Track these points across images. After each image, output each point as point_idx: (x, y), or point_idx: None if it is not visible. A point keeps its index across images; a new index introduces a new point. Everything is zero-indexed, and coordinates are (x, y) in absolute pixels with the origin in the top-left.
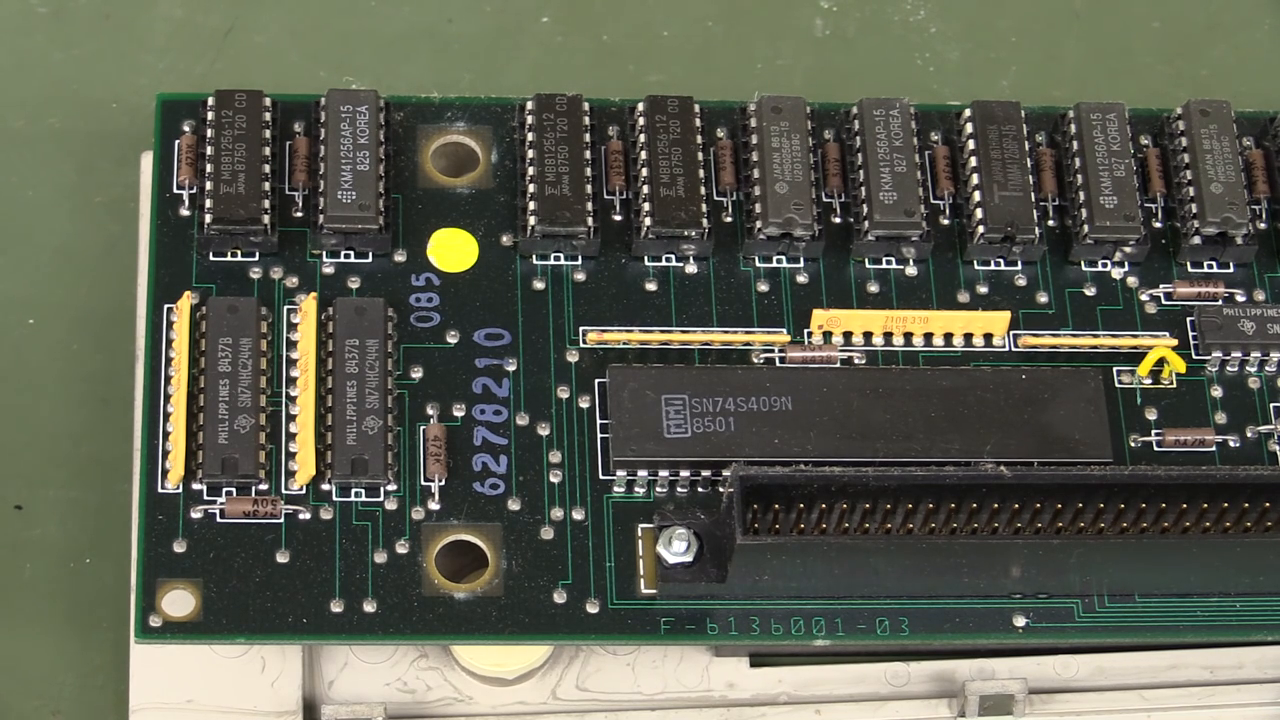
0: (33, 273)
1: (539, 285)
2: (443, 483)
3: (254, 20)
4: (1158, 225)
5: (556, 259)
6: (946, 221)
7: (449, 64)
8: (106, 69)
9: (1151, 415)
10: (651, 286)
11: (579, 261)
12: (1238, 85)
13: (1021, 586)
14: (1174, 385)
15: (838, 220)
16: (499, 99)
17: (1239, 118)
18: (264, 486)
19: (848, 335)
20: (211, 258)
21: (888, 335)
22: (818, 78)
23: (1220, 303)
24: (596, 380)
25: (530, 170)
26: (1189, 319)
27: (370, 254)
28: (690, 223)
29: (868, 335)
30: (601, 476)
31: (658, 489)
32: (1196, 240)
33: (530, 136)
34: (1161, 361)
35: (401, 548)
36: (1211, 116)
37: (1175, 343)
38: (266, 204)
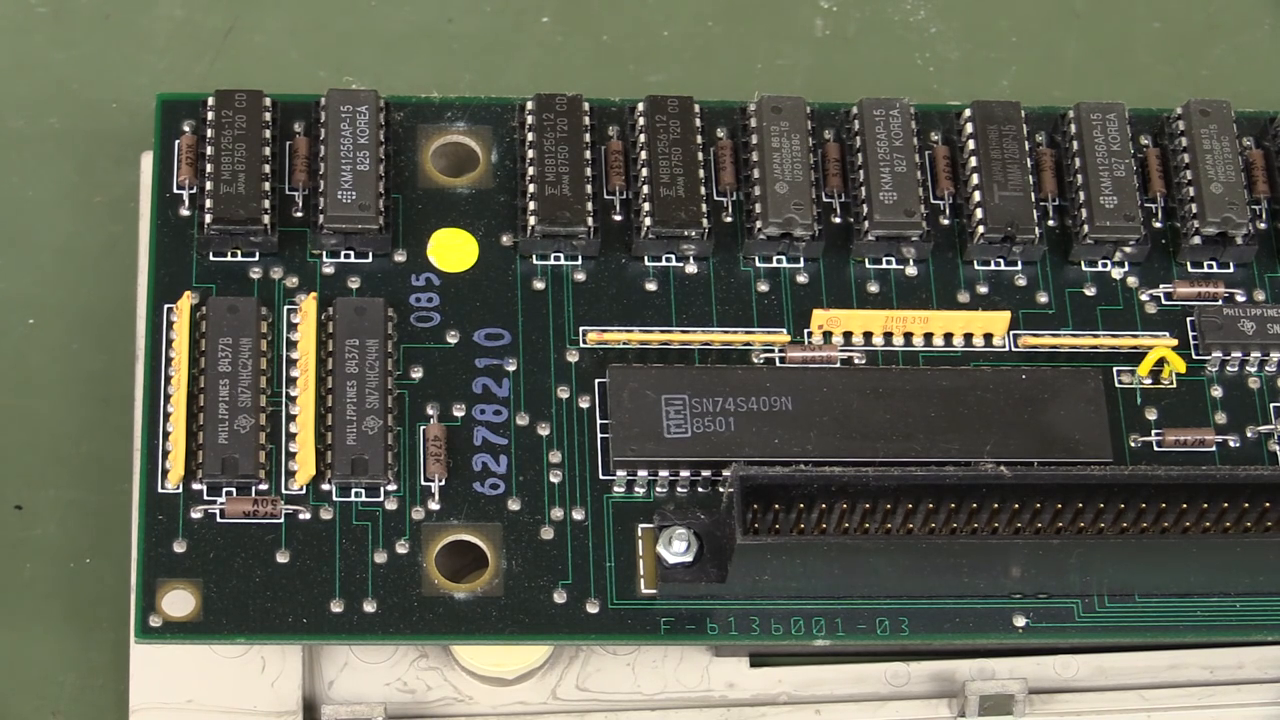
0: (33, 273)
1: (539, 285)
2: (443, 483)
3: (254, 20)
4: (1158, 225)
5: (556, 259)
6: (946, 221)
7: (449, 64)
8: (106, 69)
9: (1151, 415)
10: (651, 286)
11: (579, 261)
12: (1238, 85)
13: (1021, 586)
14: (1174, 385)
15: (838, 220)
16: (499, 99)
17: (1239, 118)
18: (264, 486)
19: (848, 335)
20: (211, 258)
21: (888, 335)
22: (818, 78)
23: (1220, 303)
24: (596, 380)
25: (530, 170)
26: (1189, 319)
27: (370, 254)
28: (690, 223)
29: (868, 335)
30: (601, 476)
31: (658, 489)
32: (1196, 240)
33: (530, 136)
34: (1161, 361)
35: (401, 548)
36: (1211, 116)
37: (1175, 343)
38: (266, 204)
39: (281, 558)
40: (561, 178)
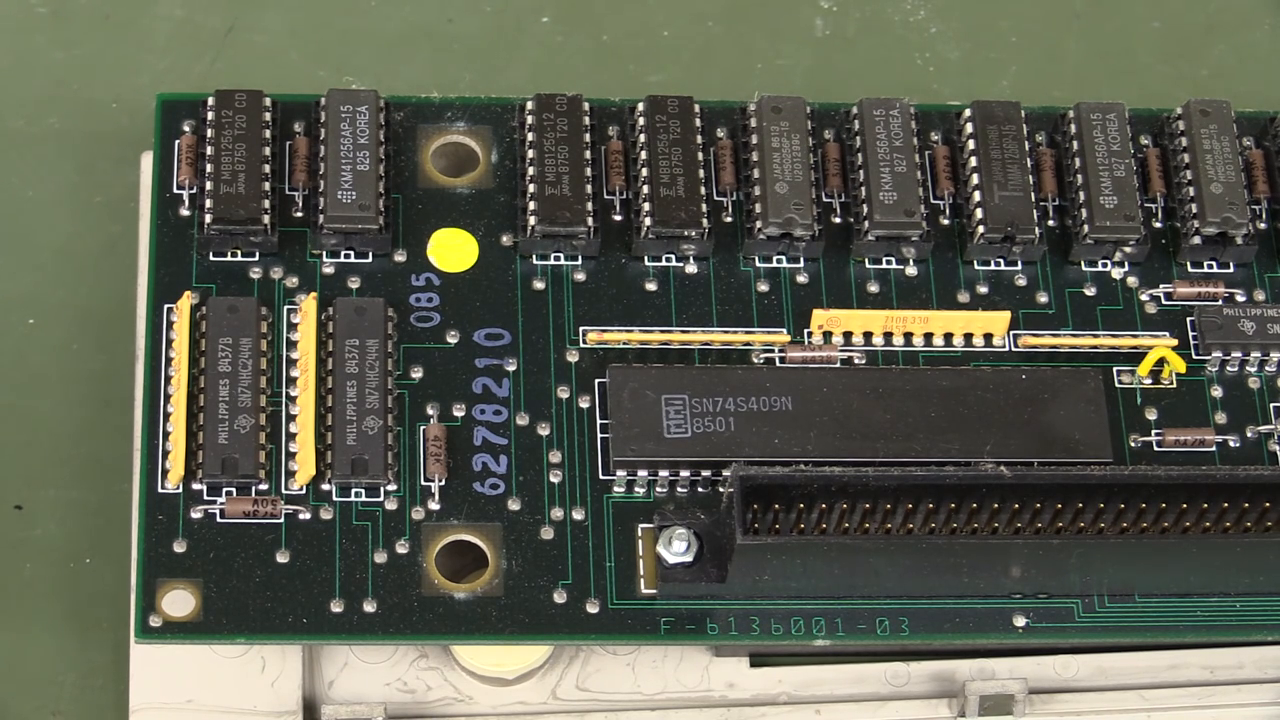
0: (33, 273)
1: (539, 285)
2: (443, 483)
3: (254, 20)
4: (1158, 225)
5: (556, 259)
6: (946, 221)
7: (449, 64)
8: (106, 69)
9: (1151, 415)
10: (651, 286)
11: (579, 261)
12: (1238, 85)
13: (1021, 586)
14: (1174, 385)
15: (838, 220)
16: (499, 99)
17: (1239, 118)
18: (264, 486)
19: (848, 335)
20: (211, 258)
21: (888, 335)
22: (818, 78)
23: (1220, 303)
24: (596, 380)
25: (530, 170)
26: (1189, 319)
27: (370, 254)
28: (690, 223)
29: (868, 335)
30: (601, 476)
31: (658, 489)
32: (1196, 240)
33: (530, 136)
34: (1161, 361)
35: (401, 548)
36: (1211, 116)
37: (1175, 343)
38: (266, 204)
39: (281, 558)
40: (561, 178)
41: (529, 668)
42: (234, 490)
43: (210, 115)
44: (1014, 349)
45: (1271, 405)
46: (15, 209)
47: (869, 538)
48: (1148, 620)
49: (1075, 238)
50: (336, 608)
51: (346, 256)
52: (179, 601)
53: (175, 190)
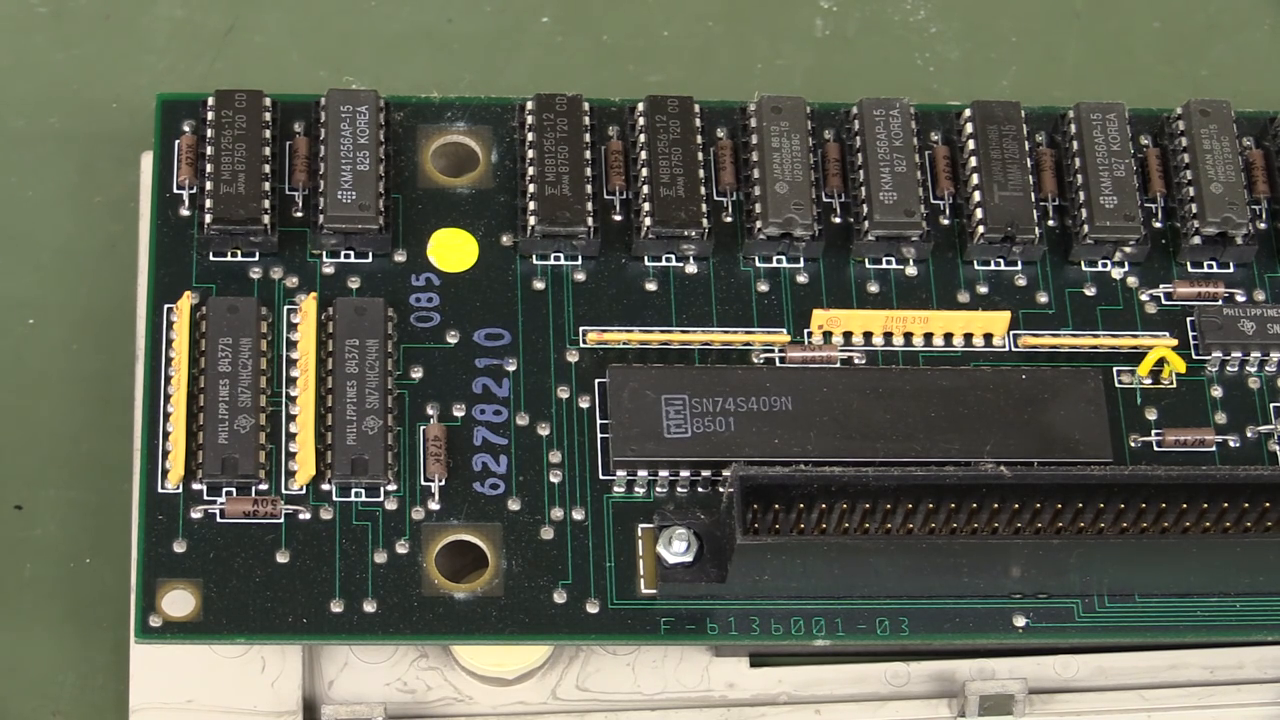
0: (33, 273)
1: (539, 285)
2: (443, 483)
3: (254, 20)
4: (1158, 225)
5: (556, 259)
6: (946, 221)
7: (449, 64)
8: (106, 69)
9: (1151, 415)
10: (651, 286)
11: (579, 261)
12: (1238, 85)
13: (1021, 586)
14: (1174, 385)
15: (838, 220)
16: (499, 99)
17: (1239, 118)
18: (264, 486)
19: (848, 335)
20: (211, 258)
21: (888, 335)
22: (818, 78)
23: (1220, 303)
24: (596, 380)
25: (530, 170)
26: (1189, 319)
27: (370, 254)
28: (690, 223)
29: (868, 335)
30: (601, 476)
31: (658, 489)
32: (1196, 240)
33: (530, 136)
34: (1161, 361)
35: (401, 548)
36: (1211, 116)
37: (1175, 343)
38: (266, 204)
39: (281, 558)
40: (561, 178)
41: (529, 668)
42: (234, 490)
43: (210, 115)
44: (1014, 349)
45: (1271, 405)
46: (15, 209)
47: (869, 538)
48: (1148, 620)
49: (1075, 238)
50: (336, 608)
51: (346, 256)
52: (179, 601)
53: (175, 190)
